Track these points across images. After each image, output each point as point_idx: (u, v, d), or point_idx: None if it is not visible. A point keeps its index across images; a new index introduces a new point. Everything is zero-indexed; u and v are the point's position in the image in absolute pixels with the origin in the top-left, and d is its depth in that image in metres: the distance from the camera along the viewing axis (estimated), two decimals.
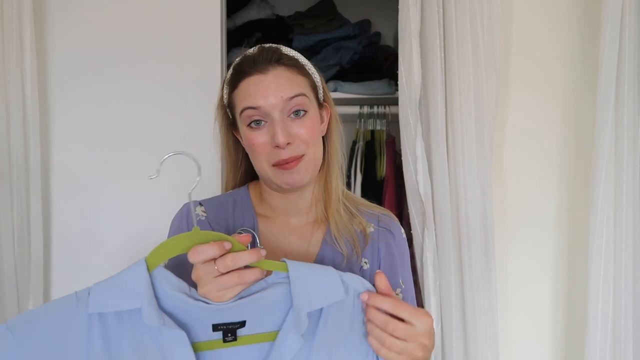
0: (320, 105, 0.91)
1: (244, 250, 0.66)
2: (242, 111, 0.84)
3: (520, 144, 1.45)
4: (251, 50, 0.88)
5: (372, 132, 1.80)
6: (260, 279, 0.67)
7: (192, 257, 0.64)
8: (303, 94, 0.85)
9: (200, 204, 0.93)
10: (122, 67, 1.44)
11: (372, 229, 0.94)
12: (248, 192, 0.96)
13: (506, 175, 1.45)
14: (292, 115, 0.84)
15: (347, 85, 1.77)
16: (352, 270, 0.89)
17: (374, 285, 0.92)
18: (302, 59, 0.90)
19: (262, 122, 0.84)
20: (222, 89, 0.92)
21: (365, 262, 0.92)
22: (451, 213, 1.34)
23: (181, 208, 0.92)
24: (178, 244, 0.64)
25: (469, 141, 1.32)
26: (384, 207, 1.03)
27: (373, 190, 1.76)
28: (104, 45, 1.44)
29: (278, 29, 1.96)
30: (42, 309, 0.62)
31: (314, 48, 1.88)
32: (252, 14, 1.97)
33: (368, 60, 1.94)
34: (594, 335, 1.30)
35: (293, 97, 0.83)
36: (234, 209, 0.93)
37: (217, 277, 0.64)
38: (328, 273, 0.70)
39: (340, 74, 1.86)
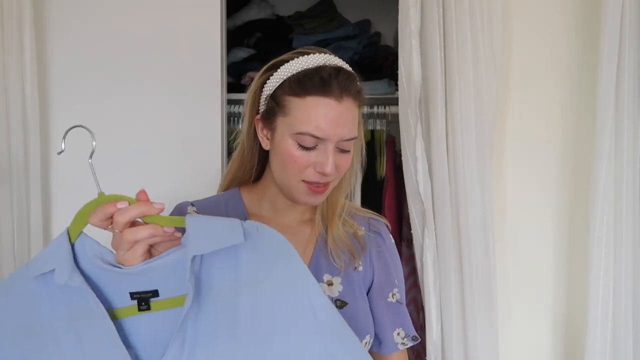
0: None
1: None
2: (301, 132, 0.81)
3: (520, 144, 1.45)
4: (321, 59, 0.84)
5: (372, 132, 1.80)
6: (160, 233, 0.65)
7: (90, 219, 0.66)
8: (356, 137, 0.85)
9: (192, 204, 0.94)
10: (122, 67, 1.44)
11: (362, 233, 0.95)
12: (240, 194, 0.96)
13: (506, 175, 1.45)
14: (340, 150, 0.84)
15: None
16: (348, 276, 0.91)
17: (368, 289, 0.94)
18: (360, 87, 0.87)
19: (313, 146, 0.82)
20: (266, 74, 0.87)
21: (359, 264, 0.93)
22: (451, 213, 1.34)
23: (174, 208, 0.94)
24: (89, 209, 0.67)
25: (469, 141, 1.32)
26: (384, 207, 1.03)
27: (373, 190, 1.76)
28: (104, 45, 1.44)
29: (278, 29, 1.96)
30: (4, 281, 0.69)
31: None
32: (252, 14, 1.98)
33: (368, 60, 1.94)
34: (594, 335, 1.30)
35: (349, 140, 0.83)
36: (226, 209, 0.93)
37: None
38: (228, 220, 0.69)
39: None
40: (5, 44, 1.33)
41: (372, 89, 1.77)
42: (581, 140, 1.43)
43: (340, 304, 0.89)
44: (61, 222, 1.45)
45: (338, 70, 0.83)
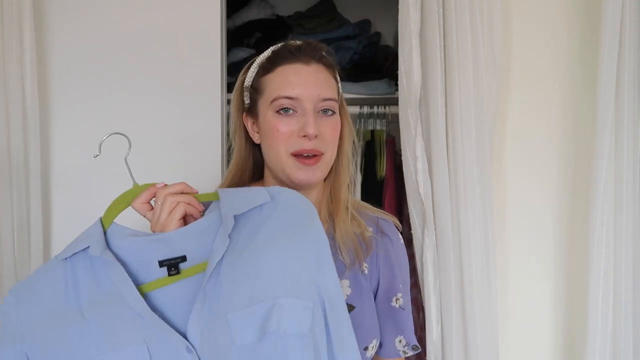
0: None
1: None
2: (275, 99, 0.84)
3: (520, 144, 1.45)
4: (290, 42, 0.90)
5: (372, 132, 1.80)
6: (196, 203, 0.75)
7: (134, 203, 0.76)
8: (335, 100, 0.87)
9: None
10: (122, 66, 1.44)
11: (369, 233, 0.94)
12: None
13: (506, 176, 1.45)
14: (320, 112, 0.85)
15: (347, 85, 1.77)
16: (356, 278, 0.90)
17: (375, 292, 0.93)
18: (331, 58, 0.92)
19: (291, 111, 0.84)
20: (245, 71, 0.92)
21: (365, 267, 0.92)
22: (451, 213, 1.34)
23: None
24: (124, 198, 0.76)
25: (469, 141, 1.32)
26: (384, 207, 1.03)
27: (373, 190, 1.76)
28: (104, 45, 1.44)
29: (278, 29, 1.96)
30: (35, 272, 0.74)
31: None
32: (252, 14, 1.97)
33: (368, 60, 1.94)
34: (594, 335, 1.30)
35: (327, 100, 0.85)
36: None
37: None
38: (255, 188, 0.77)
39: (340, 74, 1.86)
40: (5, 44, 1.33)
41: (372, 89, 1.77)
42: (581, 140, 1.42)
43: (348, 307, 0.88)
44: (61, 222, 1.45)
45: (306, 42, 0.88)
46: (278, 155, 0.85)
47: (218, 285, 0.68)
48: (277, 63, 0.86)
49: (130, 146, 0.80)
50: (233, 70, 1.87)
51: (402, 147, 1.38)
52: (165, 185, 0.75)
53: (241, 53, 1.90)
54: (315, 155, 0.85)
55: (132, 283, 0.68)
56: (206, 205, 0.78)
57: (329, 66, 0.89)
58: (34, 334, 0.68)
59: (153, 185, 0.76)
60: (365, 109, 1.75)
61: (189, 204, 0.73)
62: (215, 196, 0.75)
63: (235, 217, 0.71)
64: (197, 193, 0.76)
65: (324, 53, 0.89)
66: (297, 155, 0.84)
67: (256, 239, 0.71)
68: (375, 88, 1.78)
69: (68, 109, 1.45)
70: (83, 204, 1.44)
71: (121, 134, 0.82)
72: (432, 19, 1.31)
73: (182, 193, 0.74)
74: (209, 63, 1.46)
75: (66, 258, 0.71)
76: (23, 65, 1.33)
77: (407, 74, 1.33)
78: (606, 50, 1.27)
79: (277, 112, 0.85)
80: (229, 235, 0.70)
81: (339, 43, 1.88)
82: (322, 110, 0.86)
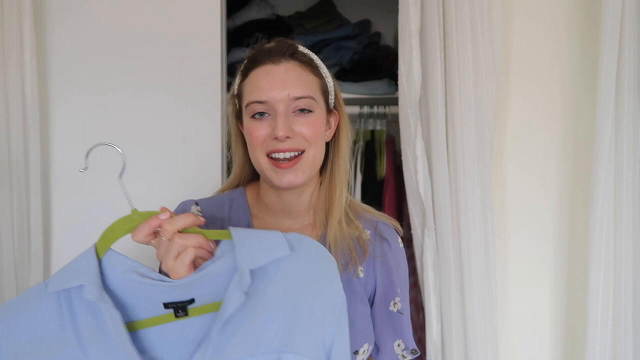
0: (330, 111, 0.90)
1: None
2: (248, 104, 0.84)
3: (520, 144, 1.45)
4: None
5: (372, 132, 1.80)
6: (205, 244, 0.69)
7: (134, 236, 0.68)
8: (310, 97, 0.84)
9: (196, 203, 0.93)
10: (122, 67, 1.44)
11: (367, 237, 0.92)
12: (245, 193, 0.95)
13: (506, 175, 1.45)
14: (297, 111, 0.83)
15: (347, 85, 1.77)
16: (349, 282, 0.89)
17: (372, 297, 0.92)
18: (318, 60, 0.89)
19: (266, 114, 0.83)
20: (235, 79, 0.91)
21: (360, 271, 0.91)
22: (451, 213, 1.34)
23: (177, 206, 0.93)
24: (122, 226, 0.69)
25: (469, 141, 1.32)
26: (383, 207, 1.02)
27: (373, 190, 1.76)
28: (104, 45, 1.44)
29: (278, 29, 1.95)
30: (20, 298, 0.69)
31: (314, 48, 1.88)
32: (252, 14, 1.97)
33: (368, 60, 1.94)
34: (594, 335, 1.30)
35: (299, 98, 0.83)
36: (230, 210, 0.92)
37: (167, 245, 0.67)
38: (272, 233, 0.72)
39: (340, 74, 1.86)
40: (5, 44, 1.33)
41: (372, 89, 1.77)
42: (581, 140, 1.43)
43: None
44: (61, 222, 1.45)
45: (277, 41, 0.86)
46: (257, 158, 0.85)
47: (224, 332, 0.66)
48: (251, 68, 0.86)
49: (124, 165, 0.73)
50: (233, 70, 1.86)
51: (402, 147, 1.38)
52: (171, 215, 0.68)
53: (241, 53, 1.90)
54: (295, 157, 0.83)
55: (126, 334, 0.65)
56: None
57: (305, 62, 0.86)
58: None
59: (155, 215, 0.68)
60: (365, 109, 1.75)
61: (199, 247, 0.68)
62: (228, 235, 0.69)
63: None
64: (204, 222, 0.70)
65: (299, 48, 0.87)
66: (274, 158, 0.83)
67: (269, 289, 0.68)
68: (375, 88, 1.78)
69: (68, 109, 1.45)
70: (83, 204, 1.45)
71: (112, 146, 0.74)
72: (432, 19, 1.31)
73: (191, 227, 0.68)
74: (209, 63, 1.46)
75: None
76: (23, 65, 1.33)
77: (407, 74, 1.33)
78: (606, 50, 1.27)
79: (252, 117, 0.84)
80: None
81: (339, 43, 1.88)
82: (298, 109, 0.83)
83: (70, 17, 1.44)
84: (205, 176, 1.45)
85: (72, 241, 1.45)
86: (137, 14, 1.44)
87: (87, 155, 0.72)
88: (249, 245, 0.68)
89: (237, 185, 0.98)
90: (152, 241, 0.70)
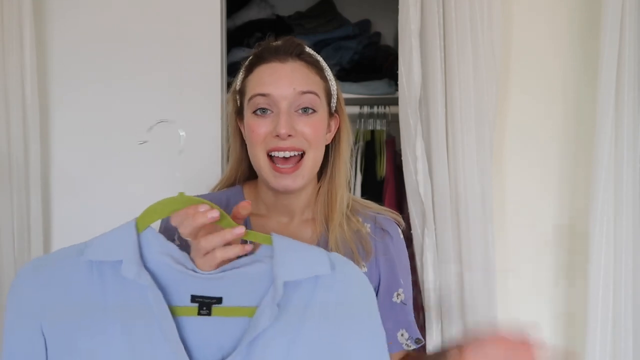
0: (331, 114, 0.90)
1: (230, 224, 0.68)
2: (251, 97, 0.83)
3: (520, 144, 1.45)
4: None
5: (372, 132, 1.80)
6: (243, 253, 0.67)
7: (182, 230, 0.67)
8: (315, 93, 0.84)
9: None
10: (122, 67, 1.44)
11: (367, 230, 0.93)
12: (242, 191, 0.95)
13: (506, 175, 1.45)
14: (300, 111, 0.83)
15: (347, 85, 1.77)
16: None
17: (376, 290, 0.92)
18: (323, 63, 0.89)
19: (268, 111, 0.83)
20: (238, 75, 0.91)
21: (363, 266, 0.91)
22: (451, 213, 1.34)
23: None
24: (166, 207, 0.69)
25: (469, 141, 1.32)
26: (384, 207, 1.01)
27: (373, 190, 1.76)
28: (104, 45, 1.44)
29: (278, 29, 1.95)
30: (53, 256, 0.70)
31: (314, 48, 1.85)
32: (252, 14, 1.97)
33: (368, 60, 1.94)
34: (594, 335, 1.30)
35: (305, 93, 0.82)
36: (227, 207, 0.92)
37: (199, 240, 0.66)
38: (314, 248, 0.70)
39: (340, 74, 1.86)
40: (6, 44, 1.33)
41: (372, 89, 1.77)
42: (581, 140, 1.42)
43: None
44: (61, 222, 1.45)
45: (284, 40, 0.86)
46: (256, 156, 0.85)
47: (254, 346, 0.64)
48: (256, 64, 0.85)
49: (182, 139, 0.77)
50: (233, 70, 1.86)
51: (402, 147, 1.38)
52: (205, 208, 0.67)
53: (241, 53, 1.90)
54: (294, 157, 0.83)
55: (169, 312, 0.64)
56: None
57: (311, 63, 0.86)
58: (53, 320, 0.65)
59: (203, 213, 0.66)
60: (365, 109, 1.76)
61: (236, 254, 0.67)
62: (268, 240, 0.68)
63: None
64: (249, 231, 0.68)
65: (306, 49, 0.87)
66: (274, 157, 0.83)
67: (305, 311, 0.66)
68: (375, 88, 1.78)
69: (68, 109, 1.45)
70: (83, 204, 1.45)
71: (171, 123, 0.79)
72: (432, 19, 1.31)
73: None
74: (209, 63, 1.46)
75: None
76: (23, 65, 1.33)
77: (407, 74, 1.33)
78: (606, 49, 1.27)
79: (254, 112, 0.83)
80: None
81: (339, 43, 1.88)
82: (302, 109, 0.83)
83: (70, 18, 1.44)
84: (205, 176, 1.45)
85: (72, 241, 1.44)
86: (137, 15, 1.44)
87: (149, 129, 0.77)
88: (289, 257, 0.67)
89: (233, 183, 0.97)
90: (192, 241, 0.69)
